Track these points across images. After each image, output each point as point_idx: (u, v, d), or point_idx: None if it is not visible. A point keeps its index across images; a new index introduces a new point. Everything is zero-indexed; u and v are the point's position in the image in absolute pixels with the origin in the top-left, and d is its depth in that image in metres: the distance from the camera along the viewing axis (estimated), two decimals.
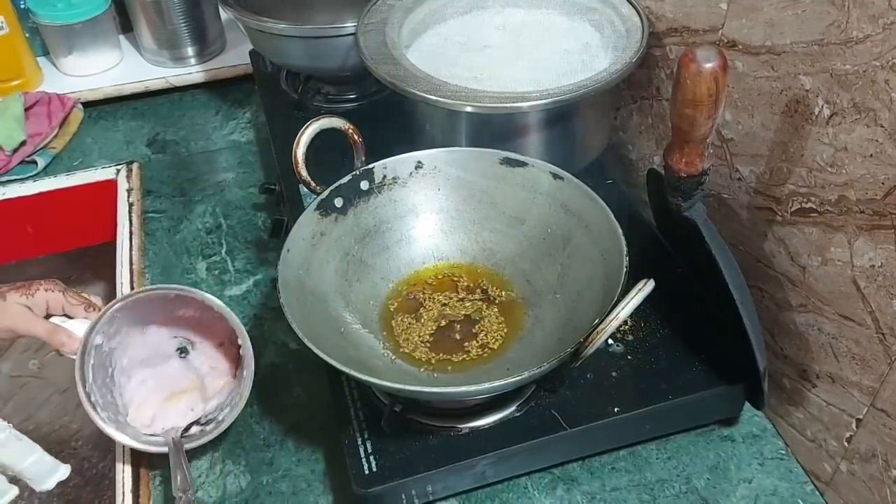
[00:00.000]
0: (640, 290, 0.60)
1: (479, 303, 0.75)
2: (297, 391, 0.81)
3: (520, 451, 0.67)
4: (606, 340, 0.62)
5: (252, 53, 1.17)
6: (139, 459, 0.75)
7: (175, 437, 0.70)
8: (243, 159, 1.12)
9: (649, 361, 0.73)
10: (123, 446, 0.75)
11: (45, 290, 0.69)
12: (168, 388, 0.76)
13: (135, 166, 1.11)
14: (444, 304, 0.75)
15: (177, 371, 0.77)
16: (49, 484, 0.69)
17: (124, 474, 0.75)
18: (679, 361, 0.72)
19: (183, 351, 0.77)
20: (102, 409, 0.71)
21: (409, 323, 0.74)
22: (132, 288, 0.93)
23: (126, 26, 1.30)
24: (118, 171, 1.10)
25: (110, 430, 0.70)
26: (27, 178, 1.09)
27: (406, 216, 0.79)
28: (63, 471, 0.70)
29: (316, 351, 0.60)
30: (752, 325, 0.65)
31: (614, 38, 0.82)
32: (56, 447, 1.42)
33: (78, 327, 0.70)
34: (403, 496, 0.66)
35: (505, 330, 0.73)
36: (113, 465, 0.75)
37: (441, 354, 0.72)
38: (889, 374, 0.60)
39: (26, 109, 1.13)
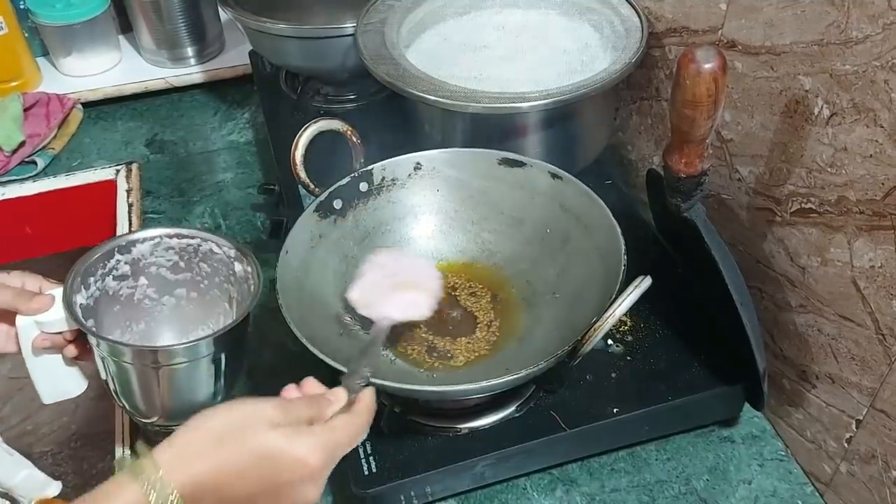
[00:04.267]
0: (636, 286, 0.60)
1: (479, 303, 0.75)
2: None
3: (519, 451, 0.67)
4: (606, 341, 0.62)
5: (251, 54, 1.17)
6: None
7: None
8: (242, 160, 1.12)
9: (649, 362, 0.73)
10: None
11: (22, 272, 0.67)
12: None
13: (134, 167, 1.11)
14: (443, 304, 0.75)
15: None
16: None
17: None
18: (678, 362, 0.72)
19: None
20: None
21: (409, 323, 0.74)
22: None
23: (125, 26, 1.30)
24: (117, 171, 1.10)
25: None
26: (27, 179, 1.09)
27: (405, 217, 0.79)
28: (54, 487, 0.70)
29: (315, 352, 0.60)
30: (751, 326, 0.65)
31: (614, 39, 0.82)
32: (55, 448, 1.42)
33: (55, 290, 0.65)
34: (402, 497, 0.66)
35: (504, 329, 0.73)
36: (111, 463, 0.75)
37: (440, 354, 0.71)
38: (889, 375, 0.60)
39: (25, 110, 1.13)
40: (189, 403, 0.66)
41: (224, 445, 0.48)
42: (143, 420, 0.69)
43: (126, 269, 0.71)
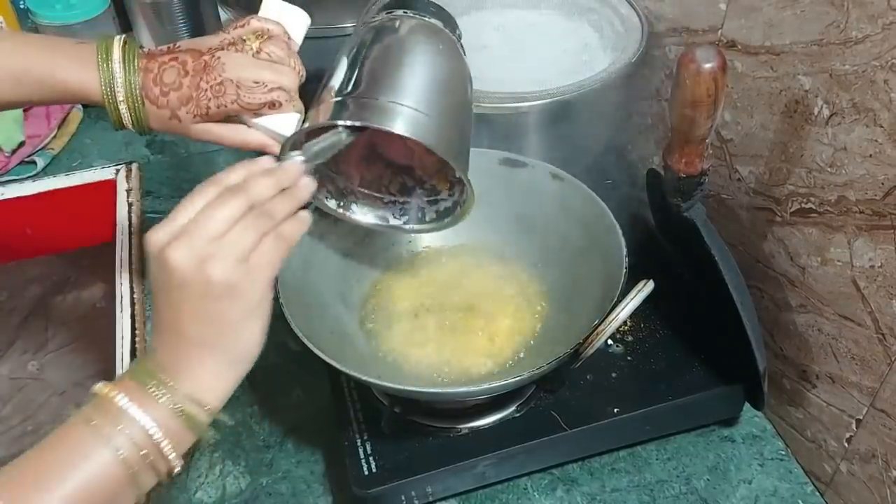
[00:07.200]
0: (639, 290, 0.60)
1: (479, 303, 0.75)
2: (296, 392, 0.81)
3: (519, 451, 0.67)
4: (606, 341, 0.62)
5: None
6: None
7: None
8: (242, 160, 1.12)
9: (649, 362, 0.73)
10: None
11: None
12: None
13: (134, 167, 1.11)
14: (443, 304, 0.75)
15: None
16: None
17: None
18: (679, 362, 0.72)
19: None
20: None
21: (410, 323, 0.74)
22: (132, 290, 0.92)
23: (125, 27, 1.30)
24: (117, 171, 1.10)
25: None
26: (26, 179, 1.09)
27: None
28: None
29: (315, 351, 0.60)
30: (751, 326, 0.65)
31: (614, 39, 0.82)
32: None
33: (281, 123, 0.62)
34: (403, 497, 0.66)
35: (504, 330, 0.73)
36: None
37: (440, 354, 0.71)
38: (889, 374, 0.60)
39: (25, 110, 1.13)
40: None
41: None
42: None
43: None
